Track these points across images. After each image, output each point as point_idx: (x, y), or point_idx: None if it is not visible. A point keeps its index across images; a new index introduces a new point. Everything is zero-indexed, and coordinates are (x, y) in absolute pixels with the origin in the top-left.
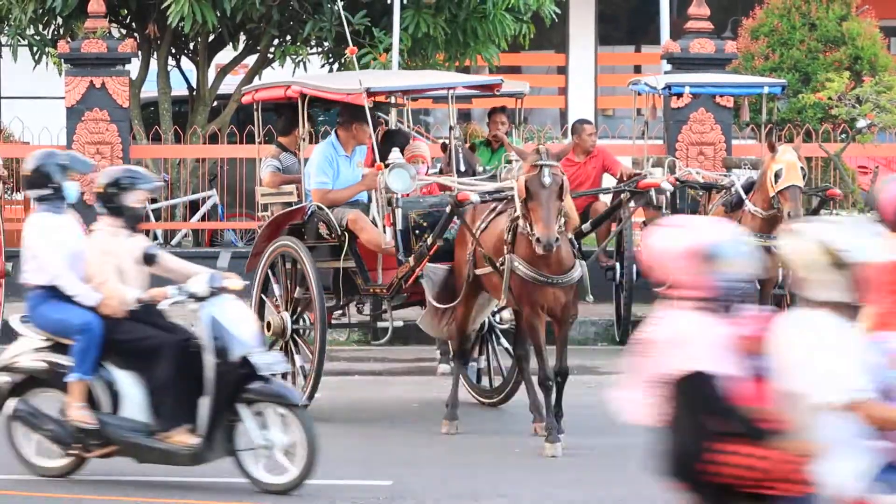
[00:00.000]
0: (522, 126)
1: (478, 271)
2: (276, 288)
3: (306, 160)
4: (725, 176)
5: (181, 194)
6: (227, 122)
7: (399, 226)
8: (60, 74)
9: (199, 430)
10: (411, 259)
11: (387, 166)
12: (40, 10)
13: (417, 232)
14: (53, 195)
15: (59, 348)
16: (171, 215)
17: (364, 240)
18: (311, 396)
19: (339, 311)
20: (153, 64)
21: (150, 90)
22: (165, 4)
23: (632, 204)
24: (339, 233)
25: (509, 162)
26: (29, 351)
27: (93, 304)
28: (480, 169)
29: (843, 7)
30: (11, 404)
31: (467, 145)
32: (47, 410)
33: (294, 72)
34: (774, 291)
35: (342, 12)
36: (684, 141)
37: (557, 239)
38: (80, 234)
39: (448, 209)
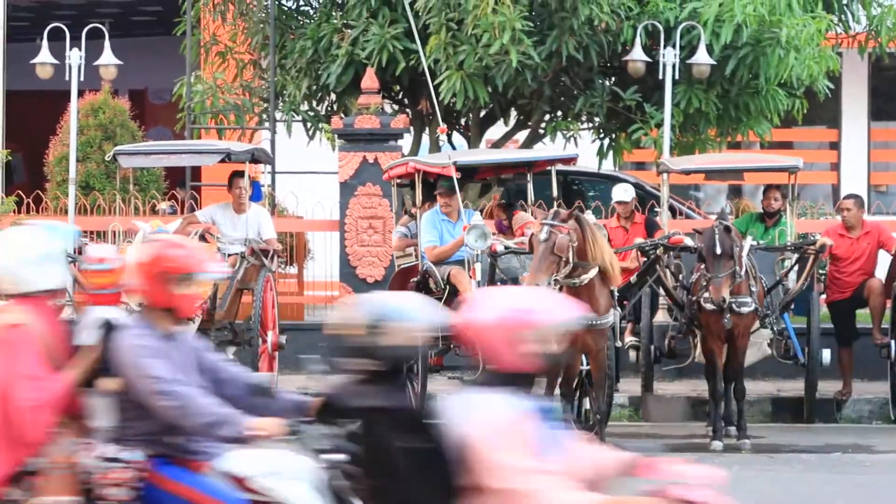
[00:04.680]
0: (795, 202)
1: None
2: None
3: None
4: None
5: None
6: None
7: (478, 277)
8: (333, 150)
9: None
10: None
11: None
12: (314, 87)
13: (500, 284)
14: None
15: None
16: None
17: (462, 291)
18: None
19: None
20: (425, 139)
21: None
22: (437, 81)
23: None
24: (442, 286)
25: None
26: None
27: None
28: (750, 243)
29: None
30: None
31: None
32: None
33: (564, 147)
34: None
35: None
36: None
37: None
38: None
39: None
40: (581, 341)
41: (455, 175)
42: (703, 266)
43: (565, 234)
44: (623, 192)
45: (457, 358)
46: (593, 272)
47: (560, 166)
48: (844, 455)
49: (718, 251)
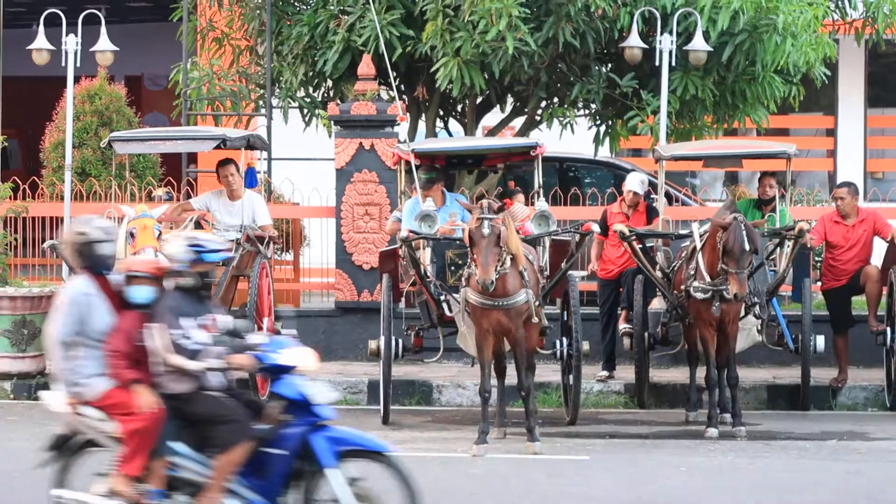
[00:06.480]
0: (791, 188)
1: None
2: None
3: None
4: None
5: None
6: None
7: (428, 261)
8: (330, 136)
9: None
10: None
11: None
12: (311, 73)
13: (453, 268)
14: None
15: None
16: None
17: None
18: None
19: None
20: (421, 125)
21: None
22: (434, 67)
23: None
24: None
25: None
26: None
27: None
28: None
29: None
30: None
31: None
32: None
33: (561, 134)
34: None
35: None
36: None
37: (493, 282)
38: None
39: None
40: (495, 321)
41: (414, 162)
42: (725, 258)
43: (501, 224)
44: (639, 185)
45: (436, 340)
46: (509, 259)
47: (556, 154)
48: (840, 442)
49: (747, 248)
